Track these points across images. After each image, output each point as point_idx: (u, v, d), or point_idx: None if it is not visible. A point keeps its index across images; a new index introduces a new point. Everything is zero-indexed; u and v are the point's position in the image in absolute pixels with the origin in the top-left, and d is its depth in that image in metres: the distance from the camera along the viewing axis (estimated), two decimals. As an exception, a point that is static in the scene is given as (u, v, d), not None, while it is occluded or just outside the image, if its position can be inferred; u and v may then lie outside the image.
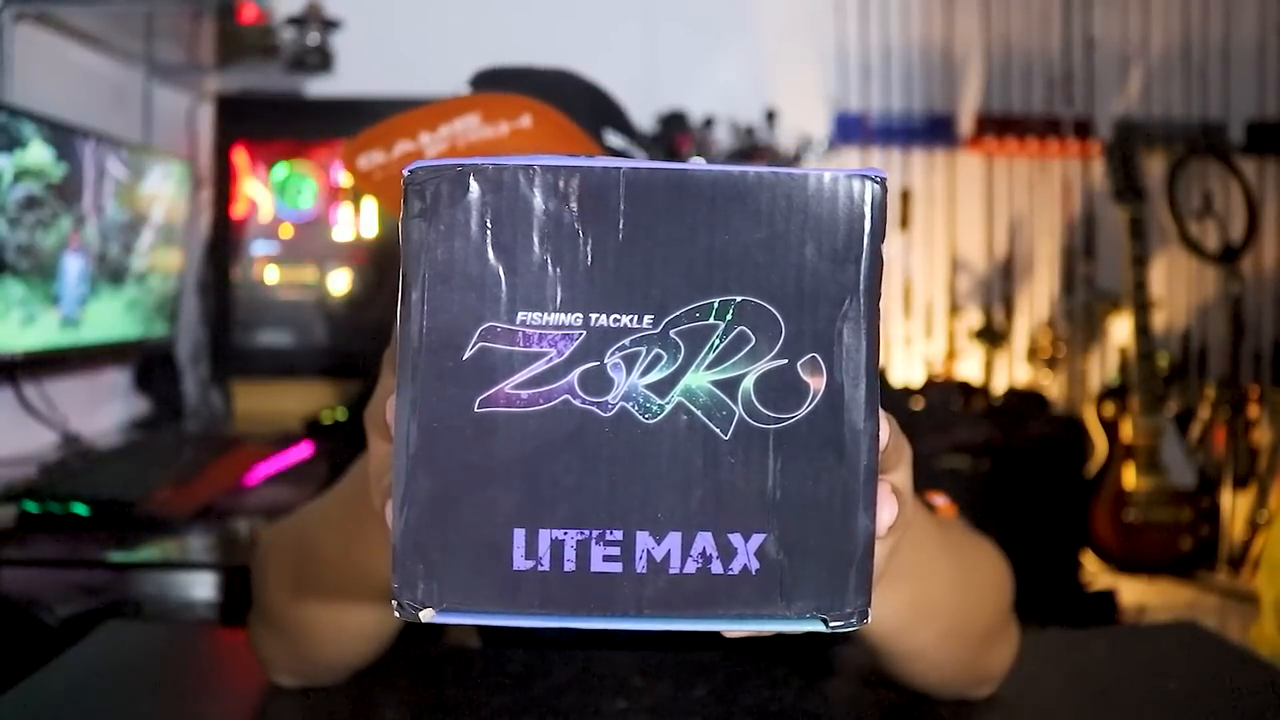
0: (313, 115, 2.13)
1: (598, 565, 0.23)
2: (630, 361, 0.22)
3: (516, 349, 0.22)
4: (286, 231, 2.07)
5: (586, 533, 0.23)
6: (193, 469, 1.41)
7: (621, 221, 0.22)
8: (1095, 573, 2.36)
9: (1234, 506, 2.39)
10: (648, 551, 0.23)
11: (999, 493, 2.22)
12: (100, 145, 1.60)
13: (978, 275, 2.71)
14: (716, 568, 0.23)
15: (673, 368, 0.22)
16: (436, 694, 0.61)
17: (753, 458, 0.23)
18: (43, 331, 1.48)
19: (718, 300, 0.22)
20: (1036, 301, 2.71)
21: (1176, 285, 2.71)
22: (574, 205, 0.22)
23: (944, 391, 2.46)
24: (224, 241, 2.06)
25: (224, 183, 2.06)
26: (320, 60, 2.03)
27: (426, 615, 0.23)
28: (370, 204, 2.12)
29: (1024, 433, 2.32)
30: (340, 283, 2.04)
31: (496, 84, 0.74)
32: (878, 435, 0.23)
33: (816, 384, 0.22)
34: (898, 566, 0.46)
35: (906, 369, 2.64)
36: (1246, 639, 1.95)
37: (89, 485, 1.27)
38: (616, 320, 0.22)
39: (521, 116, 0.72)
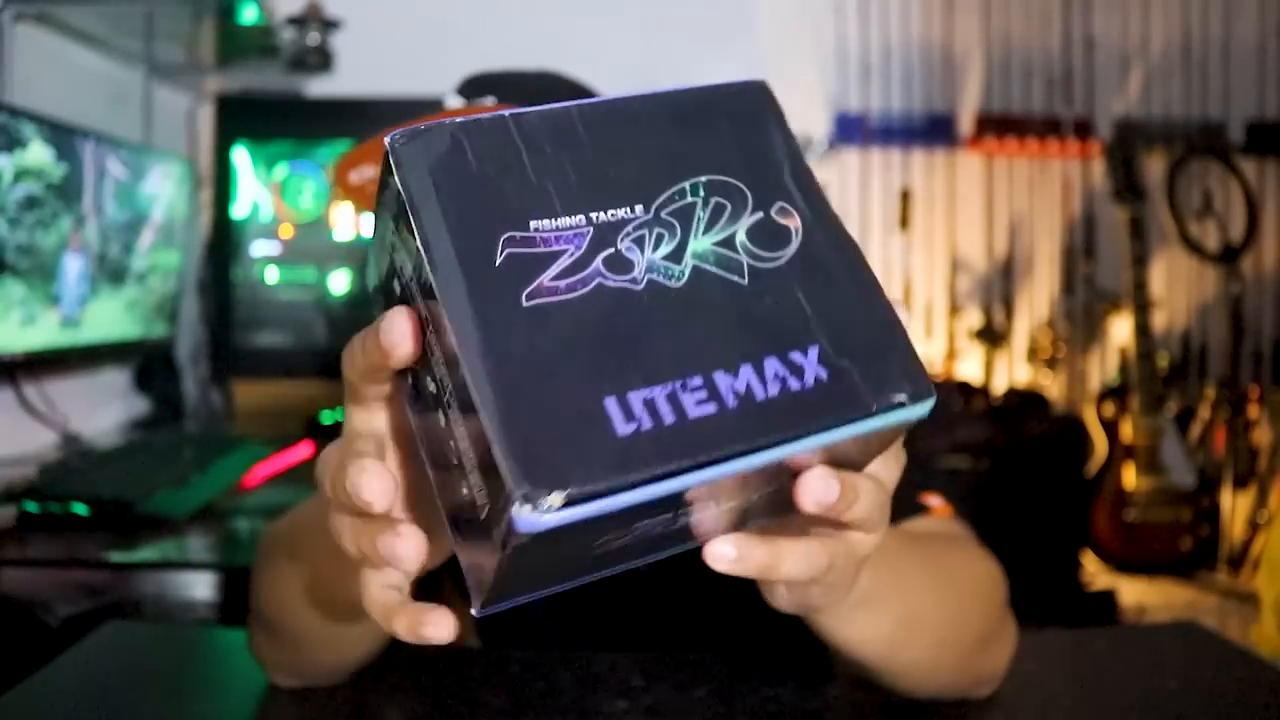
0: (313, 115, 2.13)
1: (694, 411, 0.25)
2: (640, 243, 0.25)
3: (539, 249, 0.25)
4: (286, 231, 2.07)
5: (671, 385, 0.25)
6: (193, 469, 1.41)
7: (589, 144, 0.26)
8: (1095, 573, 2.36)
9: (1234, 506, 2.39)
10: (731, 387, 0.25)
11: (999, 493, 2.22)
12: (100, 145, 1.60)
13: (978, 275, 2.71)
14: (794, 384, 0.26)
15: (676, 240, 0.26)
16: (436, 694, 0.61)
17: (775, 289, 0.26)
18: (43, 331, 1.48)
19: (687, 183, 0.26)
20: (1036, 301, 2.71)
21: (1176, 285, 2.71)
22: (548, 142, 0.26)
23: (944, 391, 2.46)
24: (224, 241, 2.05)
25: (224, 183, 2.06)
26: (320, 60, 2.03)
27: (556, 501, 0.23)
28: (368, 215, 2.11)
29: (1024, 433, 2.32)
30: (340, 283, 2.04)
31: (484, 89, 0.74)
32: (858, 248, 0.28)
33: (793, 223, 0.27)
34: (879, 588, 0.47)
35: (906, 369, 2.63)
36: (1246, 639, 1.95)
37: (89, 485, 1.27)
38: (614, 214, 0.25)
39: None
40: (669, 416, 0.25)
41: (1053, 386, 2.63)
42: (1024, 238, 2.70)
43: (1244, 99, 2.70)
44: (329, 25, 2.03)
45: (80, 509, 1.21)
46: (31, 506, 1.20)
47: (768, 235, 0.26)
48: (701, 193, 0.26)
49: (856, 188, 2.64)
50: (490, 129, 0.26)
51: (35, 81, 1.59)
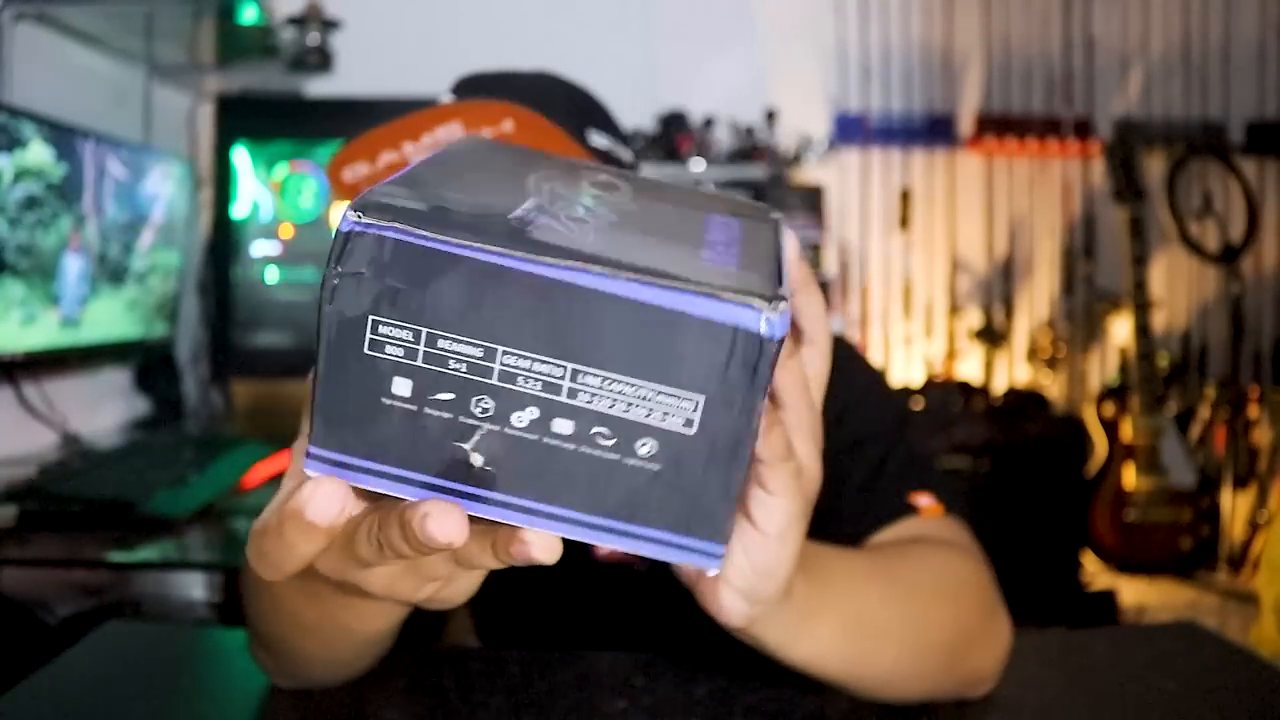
0: (313, 115, 2.13)
1: None
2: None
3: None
4: (286, 231, 2.07)
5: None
6: (193, 469, 1.41)
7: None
8: (1095, 573, 2.36)
9: (1234, 506, 2.39)
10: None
11: (999, 493, 2.22)
12: (100, 145, 1.60)
13: (978, 275, 2.71)
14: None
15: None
16: (436, 694, 0.61)
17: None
18: (43, 331, 1.48)
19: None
20: (1036, 301, 2.71)
21: (1176, 285, 2.71)
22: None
23: (944, 391, 2.46)
24: (224, 241, 2.06)
25: (224, 183, 2.06)
26: (320, 60, 2.03)
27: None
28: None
29: (1024, 433, 2.32)
30: (340, 283, 2.04)
31: (478, 90, 0.74)
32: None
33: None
34: (816, 598, 0.47)
35: (906, 369, 2.64)
36: (1246, 639, 1.95)
37: (89, 485, 1.27)
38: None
39: (504, 121, 0.72)
40: None
41: (1053, 386, 2.64)
42: (1024, 238, 2.71)
43: (1244, 99, 2.70)
44: (329, 25, 2.03)
45: (80, 509, 1.21)
46: (31, 506, 1.20)
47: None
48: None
49: (856, 188, 2.64)
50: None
51: (35, 81, 1.59)
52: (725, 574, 0.42)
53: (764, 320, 0.27)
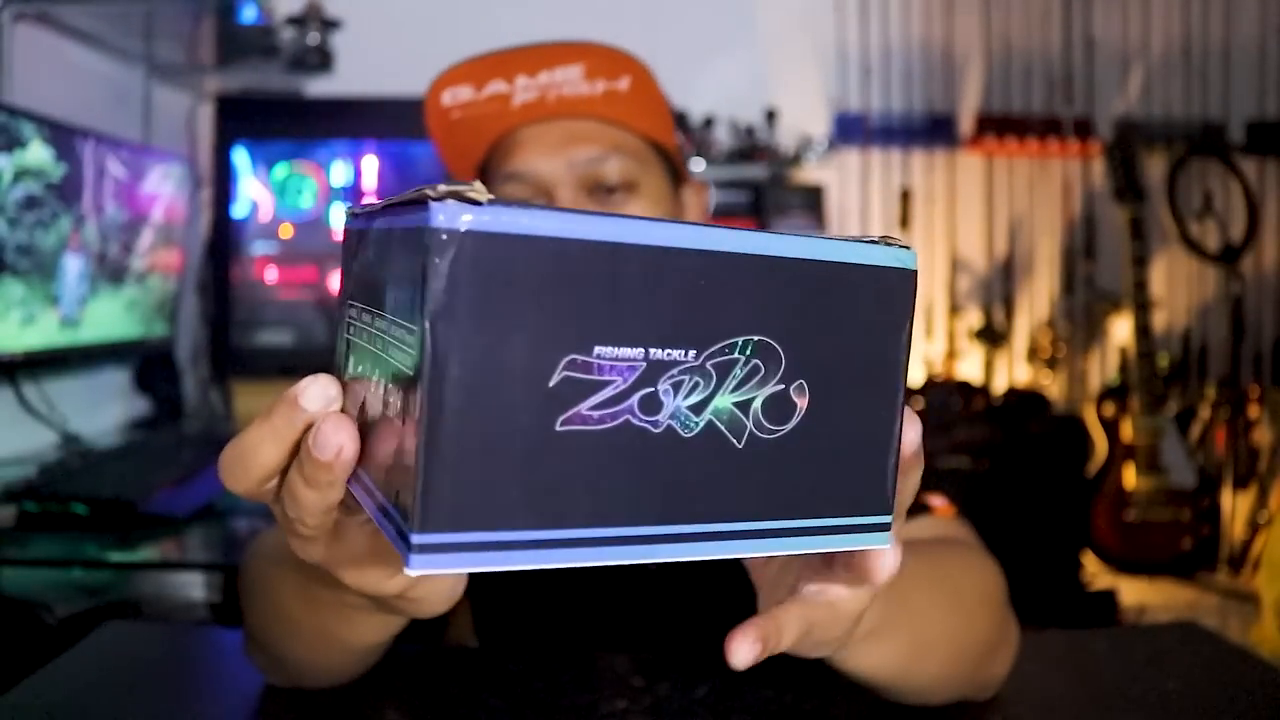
0: (313, 115, 2.13)
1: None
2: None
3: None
4: (286, 231, 2.07)
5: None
6: (193, 469, 1.41)
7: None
8: (1095, 573, 2.36)
9: (1234, 506, 2.39)
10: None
11: (999, 493, 2.22)
12: (100, 145, 1.60)
13: (978, 275, 2.71)
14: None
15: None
16: (436, 694, 0.61)
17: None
18: (42, 331, 1.48)
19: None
20: (1036, 301, 2.71)
21: (1176, 285, 2.71)
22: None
23: (944, 391, 2.46)
24: (224, 241, 2.06)
25: (224, 183, 2.06)
26: (320, 60, 2.03)
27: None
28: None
29: (1024, 433, 2.32)
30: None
31: None
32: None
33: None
34: (889, 620, 0.46)
35: (906, 369, 2.63)
36: (1246, 639, 1.95)
37: (89, 485, 1.27)
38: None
39: (621, 78, 0.72)
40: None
41: (1053, 386, 2.63)
42: (1024, 238, 2.70)
43: (1244, 99, 2.70)
44: (329, 25, 2.03)
45: (80, 509, 1.21)
46: (31, 506, 1.20)
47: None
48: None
49: (856, 188, 2.64)
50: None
51: (35, 81, 1.59)
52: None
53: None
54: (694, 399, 0.26)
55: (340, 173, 2.09)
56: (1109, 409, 2.41)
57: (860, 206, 2.64)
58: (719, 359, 0.26)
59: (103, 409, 1.87)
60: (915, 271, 0.29)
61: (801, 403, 0.27)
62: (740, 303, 0.26)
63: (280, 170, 2.07)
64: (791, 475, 0.27)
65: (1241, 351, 2.63)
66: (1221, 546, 2.39)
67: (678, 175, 0.83)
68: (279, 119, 2.11)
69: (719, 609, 0.72)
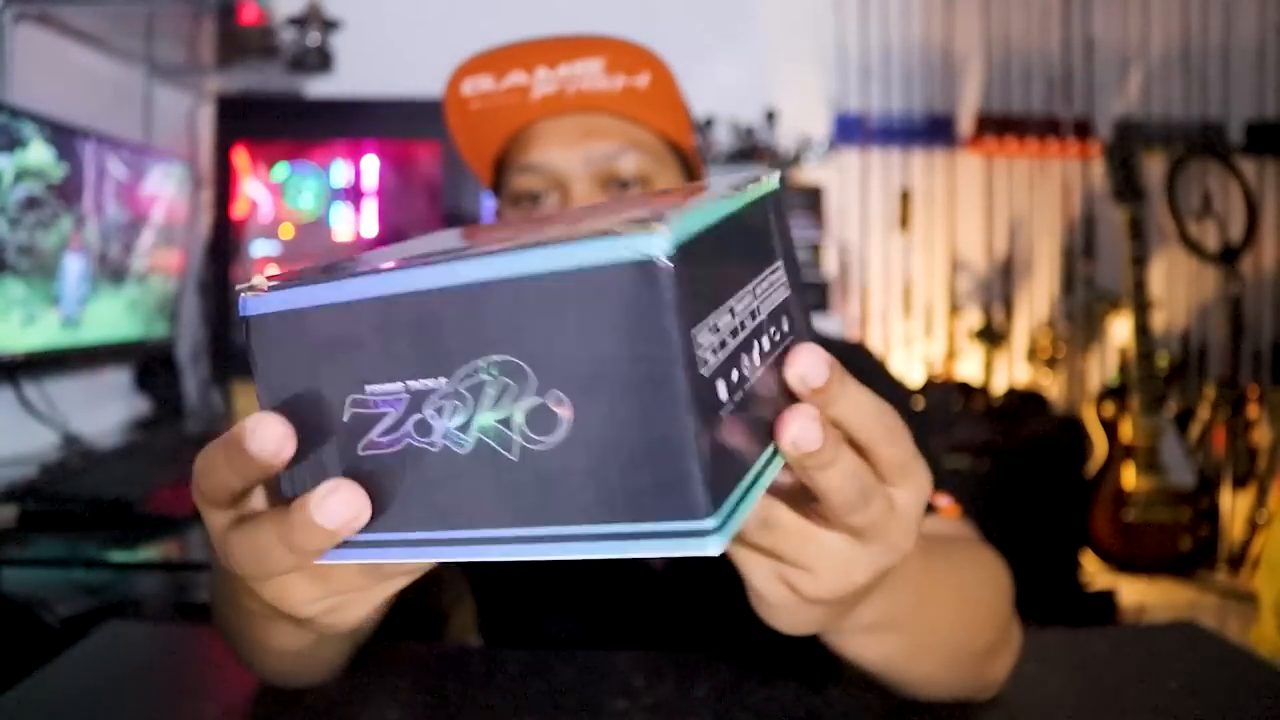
0: (313, 115, 2.13)
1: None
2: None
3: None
4: (286, 231, 2.07)
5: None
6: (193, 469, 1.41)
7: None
8: (1095, 573, 2.36)
9: (1234, 506, 2.39)
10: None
11: (999, 493, 2.22)
12: (100, 145, 1.60)
13: (978, 275, 2.71)
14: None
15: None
16: (436, 694, 0.61)
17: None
18: (43, 331, 1.48)
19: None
20: (1036, 301, 2.71)
21: (1176, 285, 2.71)
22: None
23: (944, 391, 2.46)
24: (224, 241, 2.06)
25: (224, 183, 2.06)
26: (320, 60, 2.03)
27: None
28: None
29: (1024, 433, 2.32)
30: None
31: None
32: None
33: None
34: (897, 614, 0.45)
35: (906, 369, 2.64)
36: (1246, 639, 1.95)
37: (89, 485, 1.28)
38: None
39: (641, 74, 0.72)
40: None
41: (1053, 386, 2.64)
42: (1024, 238, 2.71)
43: (1244, 99, 2.70)
44: (329, 25, 2.03)
45: (80, 509, 1.21)
46: (31, 506, 1.20)
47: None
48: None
49: (856, 188, 2.64)
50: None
51: (35, 81, 1.59)
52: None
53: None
54: (458, 420, 0.29)
55: (340, 173, 2.09)
56: (1108, 409, 2.41)
57: (860, 207, 2.64)
58: (469, 382, 0.29)
59: (103, 409, 1.87)
60: (657, 259, 0.25)
61: (564, 413, 0.28)
62: (472, 328, 0.28)
63: (280, 170, 2.07)
64: (578, 482, 0.28)
65: (1241, 351, 2.64)
66: (1221, 546, 2.39)
67: (694, 178, 0.83)
68: (279, 119, 2.11)
69: (719, 609, 0.72)
